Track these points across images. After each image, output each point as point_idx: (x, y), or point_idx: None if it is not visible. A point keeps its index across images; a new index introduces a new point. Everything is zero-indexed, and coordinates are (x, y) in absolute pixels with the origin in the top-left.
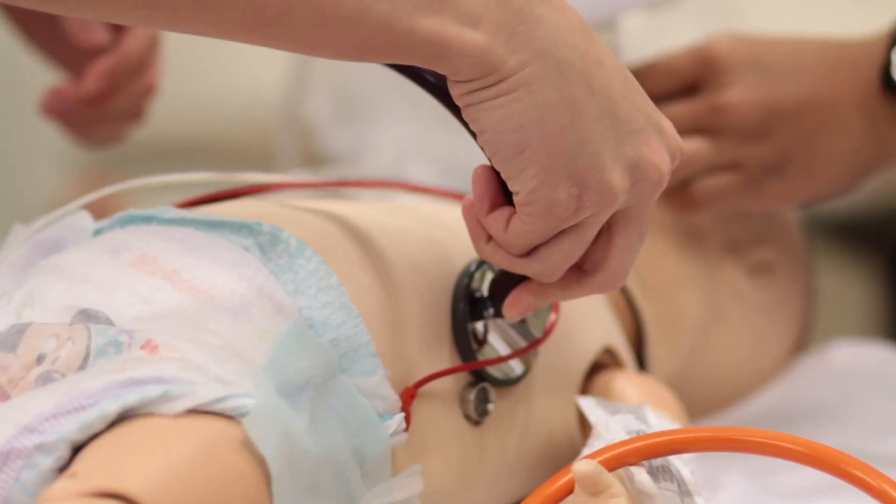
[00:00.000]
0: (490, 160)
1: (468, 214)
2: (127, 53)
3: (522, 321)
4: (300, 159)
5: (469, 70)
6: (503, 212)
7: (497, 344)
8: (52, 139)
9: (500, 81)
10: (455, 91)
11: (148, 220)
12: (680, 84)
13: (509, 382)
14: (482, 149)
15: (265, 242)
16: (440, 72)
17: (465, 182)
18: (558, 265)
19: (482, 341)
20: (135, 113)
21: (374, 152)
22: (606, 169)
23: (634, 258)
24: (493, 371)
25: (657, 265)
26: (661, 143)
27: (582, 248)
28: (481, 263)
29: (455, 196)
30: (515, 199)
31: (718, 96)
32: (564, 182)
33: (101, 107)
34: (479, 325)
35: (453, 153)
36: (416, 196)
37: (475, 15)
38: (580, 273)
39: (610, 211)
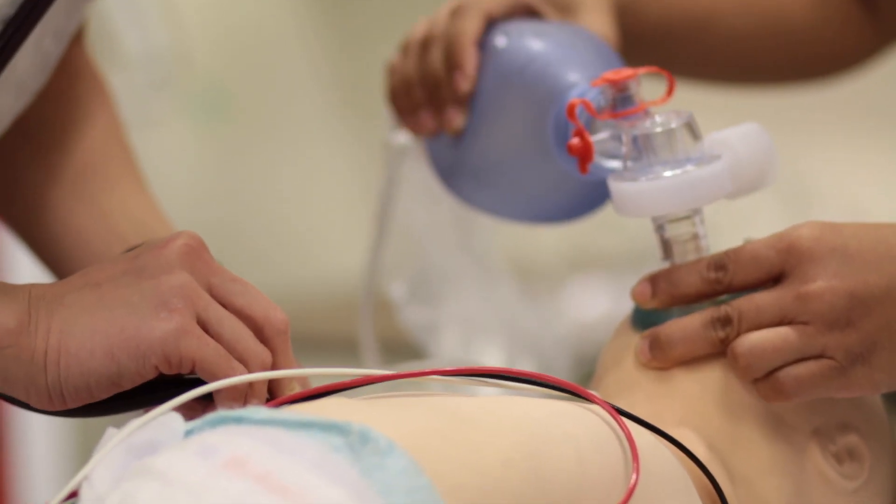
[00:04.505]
0: None
1: None
2: None
3: None
4: (379, 339)
5: None
6: None
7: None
8: None
9: None
10: None
11: (239, 420)
12: (767, 273)
13: None
14: None
15: (355, 442)
16: None
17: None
18: None
19: None
20: None
21: (446, 329)
22: None
23: None
24: None
25: (744, 453)
26: None
27: None
28: None
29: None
30: None
31: (804, 285)
32: None
33: None
34: None
35: (518, 327)
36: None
37: None
38: None
39: None
